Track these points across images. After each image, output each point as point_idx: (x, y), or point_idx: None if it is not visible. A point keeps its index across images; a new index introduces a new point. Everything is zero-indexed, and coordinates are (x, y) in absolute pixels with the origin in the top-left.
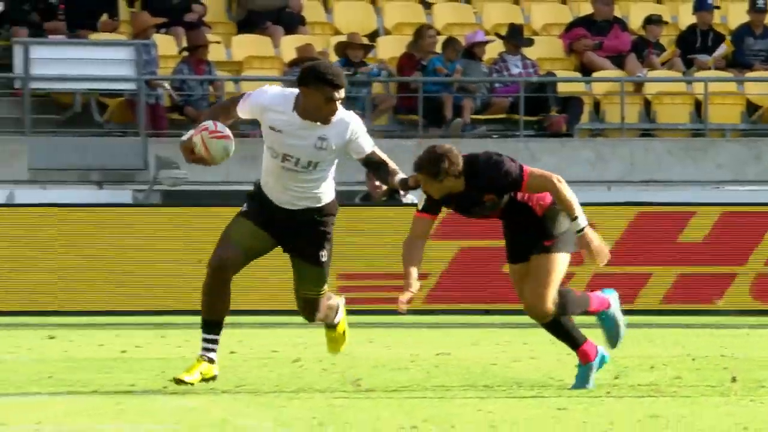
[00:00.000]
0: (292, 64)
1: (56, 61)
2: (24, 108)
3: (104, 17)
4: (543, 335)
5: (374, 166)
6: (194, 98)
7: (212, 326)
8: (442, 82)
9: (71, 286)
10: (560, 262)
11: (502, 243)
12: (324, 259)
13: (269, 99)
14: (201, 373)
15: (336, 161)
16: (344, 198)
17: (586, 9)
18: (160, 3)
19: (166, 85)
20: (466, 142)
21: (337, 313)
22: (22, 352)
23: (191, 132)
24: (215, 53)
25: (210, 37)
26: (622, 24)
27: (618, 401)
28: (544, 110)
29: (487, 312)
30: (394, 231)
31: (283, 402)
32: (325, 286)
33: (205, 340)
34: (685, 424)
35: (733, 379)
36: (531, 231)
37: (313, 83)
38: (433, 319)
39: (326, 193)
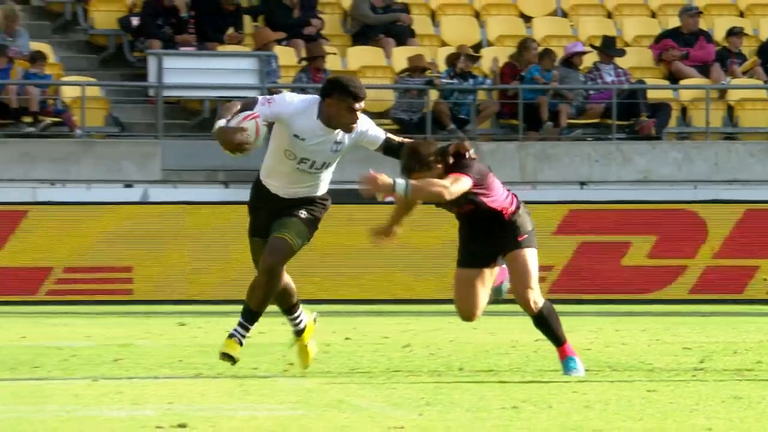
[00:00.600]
0: (403, 73)
1: (187, 71)
2: (157, 114)
3: (230, 31)
4: (633, 323)
5: (397, 150)
6: None
7: (289, 309)
8: (540, 90)
9: (200, 277)
10: (534, 255)
11: (590, 238)
12: (302, 216)
13: (296, 108)
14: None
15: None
16: None
17: (674, 22)
18: (282, 18)
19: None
20: (564, 145)
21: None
22: (154, 338)
23: (239, 118)
24: (332, 63)
25: (327, 48)
26: (707, 36)
27: (703, 384)
28: (635, 115)
29: (579, 302)
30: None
31: (393, 384)
32: (297, 240)
33: (290, 320)
34: (765, 405)
35: None
36: (498, 235)
37: (336, 94)
38: None
39: (324, 186)
